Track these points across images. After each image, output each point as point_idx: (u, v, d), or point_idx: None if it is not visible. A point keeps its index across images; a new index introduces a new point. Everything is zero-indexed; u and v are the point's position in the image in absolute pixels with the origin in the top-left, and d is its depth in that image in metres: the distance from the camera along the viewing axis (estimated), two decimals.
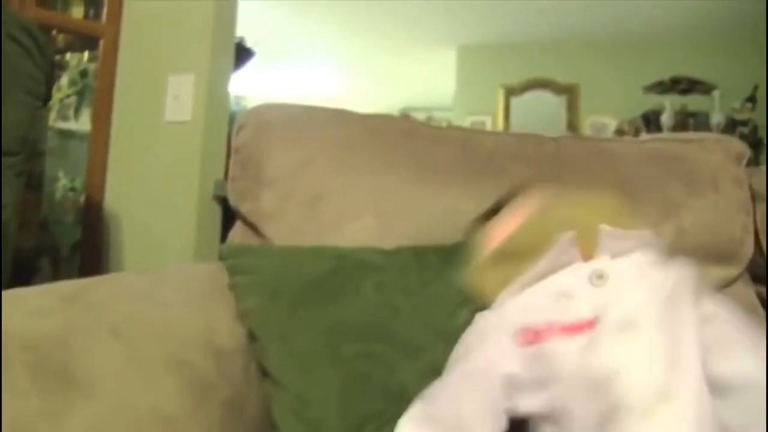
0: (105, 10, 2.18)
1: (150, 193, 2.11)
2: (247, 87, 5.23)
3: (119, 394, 0.66)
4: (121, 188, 2.16)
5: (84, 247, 2.16)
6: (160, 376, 0.73)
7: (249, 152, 1.24)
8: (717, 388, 0.66)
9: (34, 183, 2.31)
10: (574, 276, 0.79)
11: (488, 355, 0.78)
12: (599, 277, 0.77)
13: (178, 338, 0.81)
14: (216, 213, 2.07)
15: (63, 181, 2.34)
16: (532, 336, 0.75)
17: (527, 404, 0.73)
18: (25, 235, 2.25)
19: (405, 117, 1.34)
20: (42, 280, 2.16)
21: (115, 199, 2.16)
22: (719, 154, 1.28)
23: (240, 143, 1.26)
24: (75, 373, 0.64)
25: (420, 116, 7.17)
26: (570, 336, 0.73)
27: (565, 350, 0.72)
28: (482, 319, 0.85)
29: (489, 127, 5.64)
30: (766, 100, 4.56)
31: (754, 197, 1.28)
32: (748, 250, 1.25)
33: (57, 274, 2.27)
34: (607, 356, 0.69)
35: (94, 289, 0.83)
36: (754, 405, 0.64)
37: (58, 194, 2.33)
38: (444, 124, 4.85)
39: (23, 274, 2.19)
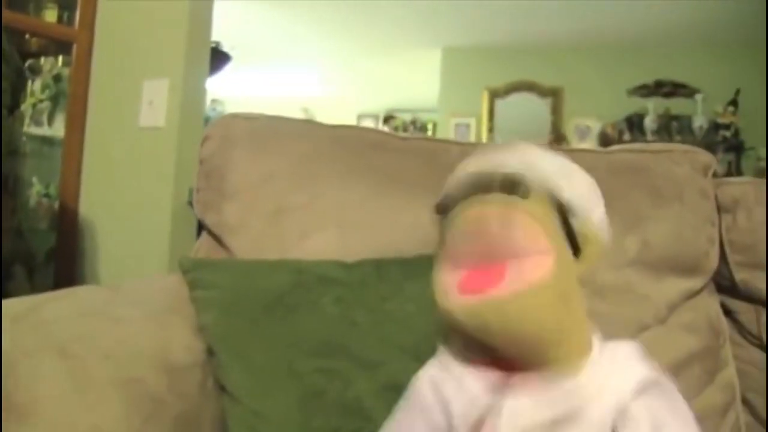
0: (78, 14, 2.16)
1: (124, 199, 2.10)
2: (226, 90, 5.23)
3: (60, 417, 0.66)
4: (95, 194, 2.15)
5: (58, 253, 2.15)
6: (106, 396, 0.72)
7: (213, 164, 1.23)
8: None
9: (9, 188, 2.30)
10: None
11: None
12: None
13: (129, 356, 0.80)
14: (191, 219, 2.06)
15: (37, 187, 2.33)
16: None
17: None
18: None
19: (373, 128, 1.33)
20: (16, 288, 2.15)
21: (89, 205, 2.16)
22: (686, 165, 1.28)
23: (205, 155, 1.25)
24: (15, 397, 0.63)
25: (405, 117, 7.22)
26: None
27: None
28: (417, 380, 0.74)
29: (473, 128, 5.66)
30: (766, 104, 4.57)
31: (719, 208, 1.28)
32: (713, 261, 1.24)
33: (32, 281, 2.26)
34: None
35: (46, 306, 0.82)
36: None
37: (32, 200, 2.32)
38: (429, 126, 4.89)
39: None
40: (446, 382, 0.67)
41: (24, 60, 2.31)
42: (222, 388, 0.91)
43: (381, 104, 7.43)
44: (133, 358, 0.80)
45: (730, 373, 1.21)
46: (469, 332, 0.60)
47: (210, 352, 0.93)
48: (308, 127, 1.29)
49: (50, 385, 0.68)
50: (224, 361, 0.91)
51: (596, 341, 0.65)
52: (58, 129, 2.28)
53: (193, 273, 1.01)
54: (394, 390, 0.89)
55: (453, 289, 0.60)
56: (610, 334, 1.12)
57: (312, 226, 1.16)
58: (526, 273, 0.58)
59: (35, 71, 2.38)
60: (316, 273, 1.01)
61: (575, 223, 0.63)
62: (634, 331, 1.12)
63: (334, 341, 0.93)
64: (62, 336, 0.76)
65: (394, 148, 1.27)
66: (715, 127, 4.87)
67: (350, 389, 0.89)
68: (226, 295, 0.97)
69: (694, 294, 1.22)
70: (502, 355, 0.61)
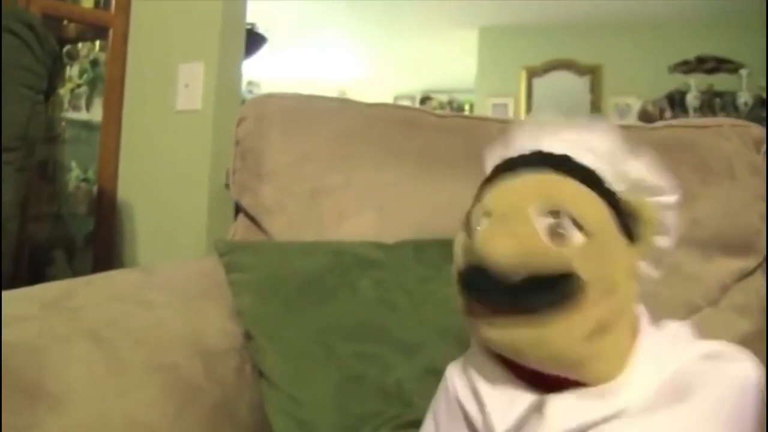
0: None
1: (162, 183, 2.10)
2: (262, 73, 5.22)
3: (93, 405, 0.64)
4: (133, 178, 2.15)
5: (97, 237, 2.16)
6: (140, 383, 0.71)
7: (249, 145, 1.22)
8: None
9: (48, 174, 2.32)
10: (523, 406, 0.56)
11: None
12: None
13: (163, 341, 0.79)
14: (228, 201, 2.05)
15: (76, 172, 2.34)
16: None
17: None
18: (40, 226, 2.26)
19: (409, 106, 1.30)
20: (56, 272, 2.17)
21: (127, 189, 2.16)
22: (736, 140, 1.23)
23: (240, 136, 1.24)
24: (46, 385, 0.62)
25: (442, 98, 7.17)
26: None
27: None
28: (450, 381, 0.68)
29: (511, 108, 5.58)
30: None
31: None
32: (766, 240, 1.20)
33: (71, 266, 2.27)
34: None
35: (79, 291, 0.81)
36: None
37: (71, 185, 2.33)
38: (466, 107, 4.84)
39: (38, 266, 2.20)
40: (479, 382, 0.60)
41: (62, 46, 2.32)
42: (259, 373, 0.90)
43: (418, 85, 7.37)
44: (167, 344, 0.79)
45: None
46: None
47: (247, 336, 0.91)
48: (343, 105, 1.27)
49: (83, 371, 0.67)
50: (261, 345, 0.90)
51: (645, 330, 0.58)
52: (96, 114, 2.28)
53: (229, 256, 1.00)
54: (435, 374, 0.87)
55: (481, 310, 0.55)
56: (659, 315, 1.09)
57: (349, 207, 1.14)
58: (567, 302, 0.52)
59: (73, 57, 2.39)
60: (354, 255, 0.99)
61: (622, 201, 0.57)
62: (684, 312, 1.09)
63: (373, 324, 0.91)
64: (94, 321, 0.75)
65: (431, 126, 1.24)
66: (761, 102, 4.73)
67: (390, 374, 0.87)
68: (263, 278, 0.95)
69: (746, 274, 1.18)
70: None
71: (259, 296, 0.93)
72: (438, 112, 1.34)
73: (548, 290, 0.52)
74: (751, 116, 4.60)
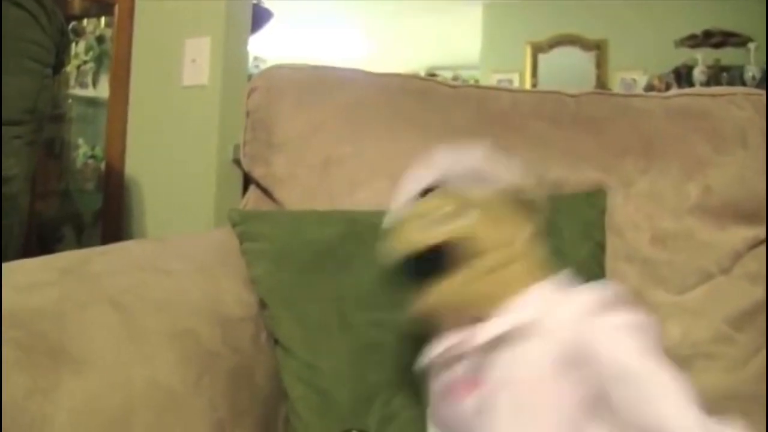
0: None
1: (170, 159, 2.10)
2: (269, 48, 5.19)
3: (115, 368, 0.64)
4: (140, 154, 2.15)
5: (105, 214, 2.16)
6: (160, 348, 0.71)
7: (260, 116, 1.21)
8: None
9: (56, 151, 2.31)
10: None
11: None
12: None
13: (182, 308, 0.79)
14: (236, 177, 2.05)
15: (83, 149, 2.34)
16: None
17: None
18: (48, 203, 2.26)
19: (419, 76, 1.29)
20: (65, 249, 2.17)
21: (135, 165, 2.16)
22: (749, 109, 1.22)
23: (251, 107, 1.23)
24: (68, 348, 0.62)
25: (446, 75, 7.14)
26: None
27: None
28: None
29: (516, 84, 5.56)
30: None
31: None
32: None
33: (80, 242, 2.28)
34: None
35: (96, 259, 0.81)
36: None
37: (79, 162, 2.33)
38: (471, 83, 4.80)
39: (47, 243, 2.20)
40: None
41: (67, 22, 2.31)
42: (275, 342, 0.90)
43: (422, 62, 7.34)
44: (185, 311, 0.79)
45: None
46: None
47: (262, 305, 0.92)
48: (354, 75, 1.26)
49: (105, 336, 0.67)
50: (276, 313, 0.90)
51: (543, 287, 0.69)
52: (102, 90, 2.27)
53: (242, 225, 1.00)
54: None
55: None
56: (672, 282, 1.09)
57: (361, 176, 1.13)
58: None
59: (78, 33, 2.37)
60: (367, 223, 0.99)
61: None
62: (697, 279, 1.09)
63: (388, 293, 0.91)
64: (113, 288, 0.75)
65: (444, 95, 1.23)
66: None
67: (404, 342, 0.87)
68: (277, 247, 0.95)
69: (759, 243, 1.17)
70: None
71: (273, 265, 0.93)
72: (451, 82, 1.33)
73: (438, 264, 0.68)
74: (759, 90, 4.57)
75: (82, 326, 0.66)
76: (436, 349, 0.71)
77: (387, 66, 7.04)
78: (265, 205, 1.19)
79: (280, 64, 1.27)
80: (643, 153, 1.15)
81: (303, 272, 0.92)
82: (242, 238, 0.98)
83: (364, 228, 0.98)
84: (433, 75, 7.23)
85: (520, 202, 0.73)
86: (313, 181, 1.14)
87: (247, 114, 1.24)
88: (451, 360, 0.70)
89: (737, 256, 1.15)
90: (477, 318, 0.68)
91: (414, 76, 1.29)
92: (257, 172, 1.21)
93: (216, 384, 0.75)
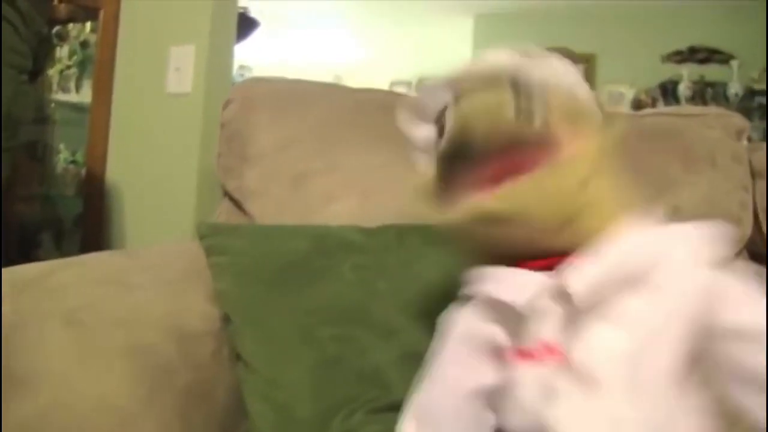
0: None
1: (151, 165, 2.09)
2: (256, 57, 5.19)
3: (64, 387, 0.65)
4: (122, 161, 2.15)
5: (85, 220, 2.16)
6: (112, 365, 0.71)
7: (235, 128, 1.22)
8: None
9: (38, 156, 2.31)
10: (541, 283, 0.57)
11: (451, 371, 0.66)
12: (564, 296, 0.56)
13: (140, 323, 0.79)
14: (218, 186, 2.05)
15: (64, 154, 2.34)
16: (499, 353, 0.60)
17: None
18: (29, 207, 2.26)
19: (395, 92, 1.30)
20: (44, 254, 2.17)
21: (116, 171, 2.15)
22: (719, 129, 1.24)
23: (226, 119, 1.24)
24: (14, 368, 0.62)
25: None
26: (529, 363, 0.57)
27: (523, 380, 0.57)
28: (451, 318, 0.67)
29: None
30: None
31: (753, 174, 1.24)
32: (746, 228, 1.21)
33: (59, 248, 2.27)
34: (561, 414, 0.53)
35: (58, 273, 0.81)
36: None
37: (59, 167, 2.33)
38: None
39: (26, 248, 2.19)
40: (490, 287, 0.61)
41: (51, 27, 2.31)
42: (237, 356, 0.90)
43: (414, 71, 7.35)
44: (143, 326, 0.79)
45: None
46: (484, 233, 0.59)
47: (226, 319, 0.92)
48: (330, 90, 1.27)
49: (54, 354, 0.67)
50: (239, 328, 0.90)
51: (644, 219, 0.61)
52: (85, 95, 2.27)
53: (210, 239, 1.00)
54: (414, 358, 0.87)
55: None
56: None
57: (334, 191, 1.14)
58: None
59: (62, 38, 2.37)
60: (336, 238, 0.99)
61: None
62: None
63: (353, 308, 0.92)
64: (69, 303, 0.75)
65: None
66: (751, 93, 4.76)
67: (368, 357, 0.87)
68: (243, 261, 0.96)
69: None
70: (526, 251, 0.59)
71: (239, 279, 0.93)
72: None
73: (529, 151, 0.57)
74: (741, 106, 4.62)
75: (30, 344, 0.66)
76: (522, 293, 0.57)
77: (378, 74, 7.08)
78: (238, 218, 1.20)
79: (258, 77, 1.28)
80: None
81: (268, 287, 0.92)
82: (209, 251, 0.98)
83: (332, 243, 0.99)
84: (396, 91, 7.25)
85: (589, 113, 0.64)
86: (285, 196, 1.14)
87: (222, 126, 1.25)
88: (529, 315, 0.57)
89: None
90: (546, 257, 0.57)
91: (390, 92, 1.30)
92: (230, 185, 1.21)
93: (169, 401, 0.75)
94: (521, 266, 0.59)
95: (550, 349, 0.56)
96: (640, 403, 0.52)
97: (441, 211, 0.62)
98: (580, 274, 0.55)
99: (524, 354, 0.57)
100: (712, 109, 1.29)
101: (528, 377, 0.56)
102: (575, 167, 0.58)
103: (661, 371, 0.53)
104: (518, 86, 0.59)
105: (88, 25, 2.37)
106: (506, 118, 0.57)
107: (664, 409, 0.53)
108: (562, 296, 0.56)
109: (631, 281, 0.55)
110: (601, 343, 0.54)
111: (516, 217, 0.57)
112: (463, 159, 0.59)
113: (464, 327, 0.64)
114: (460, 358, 0.64)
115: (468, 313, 0.65)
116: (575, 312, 0.55)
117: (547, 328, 0.56)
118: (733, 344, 0.52)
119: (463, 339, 0.64)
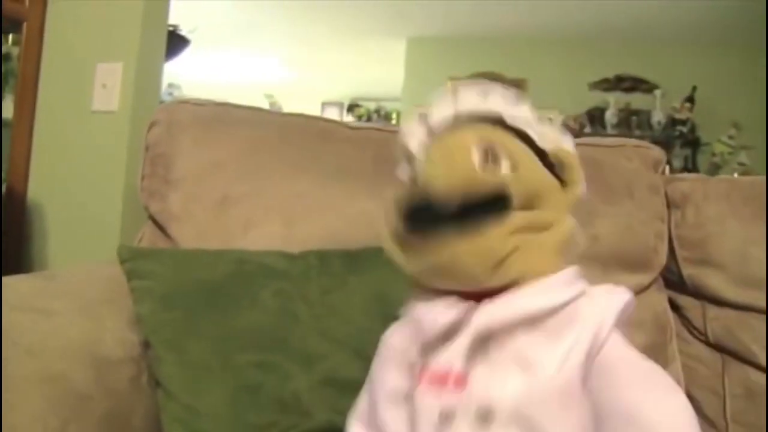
0: None
1: (75, 184, 2.05)
2: (187, 75, 5.15)
3: None
4: (45, 178, 2.10)
5: (5, 238, 2.09)
6: (25, 395, 0.69)
7: (159, 151, 1.21)
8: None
9: None
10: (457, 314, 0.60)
11: (384, 376, 0.67)
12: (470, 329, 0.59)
13: (55, 351, 0.77)
14: (143, 207, 2.02)
15: None
16: (412, 369, 0.64)
17: None
18: None
19: (322, 117, 1.30)
20: None
21: (38, 189, 2.10)
22: (636, 161, 1.28)
23: (151, 141, 1.23)
24: None
25: (370, 106, 7.20)
26: (432, 387, 0.60)
27: (423, 403, 0.60)
28: (387, 338, 0.69)
29: None
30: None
31: (669, 204, 1.28)
32: (662, 257, 1.25)
33: None
34: None
35: None
36: None
37: None
38: (393, 115, 4.86)
39: None
40: (417, 312, 0.64)
41: None
42: (157, 383, 0.89)
43: (346, 92, 7.40)
44: (58, 354, 0.77)
45: (675, 368, 1.22)
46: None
47: (146, 345, 0.91)
48: (256, 114, 1.26)
49: None
50: (159, 353, 0.89)
51: (570, 274, 0.62)
52: (6, 110, 2.21)
53: (131, 262, 0.98)
54: (333, 384, 0.88)
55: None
56: None
57: (257, 216, 1.13)
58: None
59: None
60: (257, 264, 0.99)
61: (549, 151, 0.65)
62: None
63: (273, 334, 0.92)
64: None
65: (344, 138, 1.25)
66: (673, 122, 4.93)
67: (287, 384, 0.87)
68: (163, 286, 0.94)
69: (641, 290, 1.22)
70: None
71: (159, 304, 0.92)
72: (352, 123, 1.36)
73: (485, 210, 0.58)
74: (664, 134, 4.80)
75: None
76: (439, 319, 0.60)
77: (310, 95, 7.11)
78: (160, 242, 1.18)
79: (183, 98, 1.27)
80: None
81: (188, 312, 0.92)
82: (130, 275, 0.97)
83: (253, 268, 0.99)
84: (357, 105, 7.31)
85: (557, 165, 0.66)
86: (208, 220, 1.14)
87: (147, 148, 1.23)
88: (440, 340, 0.60)
89: None
90: (477, 293, 0.59)
91: (317, 118, 1.30)
92: (153, 207, 1.20)
93: (84, 429, 0.73)
94: (456, 295, 0.61)
95: (453, 377, 0.58)
96: None
97: (400, 255, 0.64)
98: (486, 312, 0.58)
99: (430, 377, 0.60)
100: (631, 141, 1.33)
101: (427, 400, 0.59)
102: (511, 224, 0.59)
103: (554, 413, 0.55)
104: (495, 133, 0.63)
105: (11, 37, 2.31)
106: (470, 167, 0.59)
107: None
108: (469, 329, 0.58)
109: (531, 324, 0.58)
110: (497, 380, 0.57)
111: (446, 271, 0.60)
112: (425, 206, 0.60)
113: (392, 339, 0.68)
114: (391, 365, 0.67)
115: (398, 328, 0.68)
116: (479, 345, 0.58)
117: (454, 356, 0.59)
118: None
119: (390, 349, 0.68)
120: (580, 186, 0.67)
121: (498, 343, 0.58)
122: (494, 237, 0.58)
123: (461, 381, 0.58)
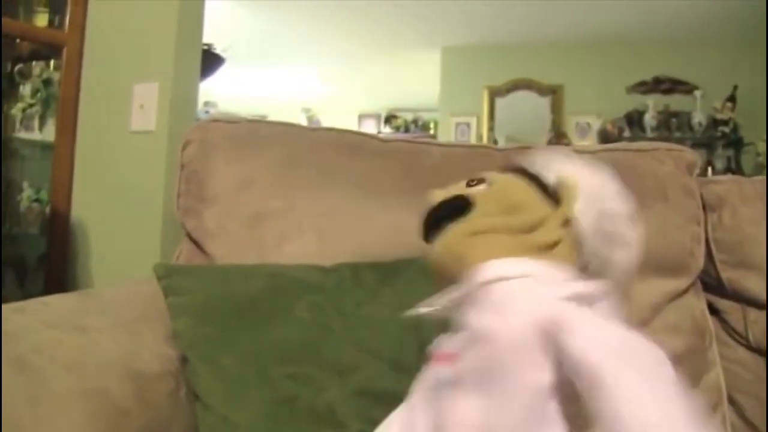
0: (68, 18, 2.15)
1: (116, 203, 2.09)
2: (222, 91, 5.21)
3: None
4: (87, 199, 2.14)
5: (50, 258, 2.14)
6: (65, 409, 0.71)
7: (193, 169, 1.23)
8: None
9: (1, 194, 2.29)
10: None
11: None
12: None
13: (94, 366, 0.79)
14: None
15: (27, 192, 2.32)
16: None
17: None
18: None
19: (353, 130, 1.32)
20: (7, 293, 2.14)
21: (81, 209, 2.15)
22: (670, 164, 1.27)
23: (185, 159, 1.25)
24: None
25: (407, 117, 7.22)
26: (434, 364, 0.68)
27: (426, 377, 0.69)
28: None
29: (474, 128, 5.64)
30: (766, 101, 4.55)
31: (705, 207, 1.27)
32: (699, 260, 1.23)
33: (22, 287, 2.25)
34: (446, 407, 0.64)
35: (11, 317, 0.81)
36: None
37: (23, 205, 2.31)
38: (431, 125, 4.91)
39: None
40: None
41: (14, 65, 2.31)
42: (195, 396, 0.90)
43: (382, 104, 7.42)
44: (97, 368, 0.79)
45: (716, 374, 1.20)
46: None
47: (183, 359, 0.92)
48: (287, 130, 1.28)
49: (5, 400, 0.67)
50: (196, 368, 0.91)
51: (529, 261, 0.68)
52: (48, 134, 2.27)
53: (167, 279, 1.00)
54: (367, 396, 0.89)
55: None
56: None
57: (290, 231, 1.15)
58: None
59: (25, 75, 2.37)
60: (291, 278, 1.00)
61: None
62: None
63: (307, 347, 0.93)
64: (22, 348, 0.75)
65: (374, 150, 1.26)
66: (714, 123, 4.86)
67: (322, 395, 0.88)
68: (200, 301, 0.96)
69: (679, 294, 1.21)
70: None
71: (196, 319, 0.94)
72: (382, 136, 1.36)
73: (446, 216, 0.71)
74: (705, 136, 4.73)
75: None
76: (425, 307, 0.71)
77: (347, 107, 7.14)
78: (197, 258, 1.20)
79: (215, 116, 1.29)
80: None
81: (224, 326, 0.93)
82: (166, 291, 0.99)
83: (287, 282, 1.00)
84: (394, 116, 7.33)
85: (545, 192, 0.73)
86: (242, 235, 1.15)
87: (182, 166, 1.25)
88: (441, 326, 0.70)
89: (657, 309, 1.18)
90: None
91: (347, 131, 1.31)
92: (189, 225, 1.22)
93: None
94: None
95: (448, 356, 0.66)
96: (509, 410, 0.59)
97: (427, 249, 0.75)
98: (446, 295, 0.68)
99: (435, 356, 0.69)
100: (664, 144, 1.31)
101: (429, 374, 0.68)
102: (470, 227, 0.71)
103: (523, 382, 0.59)
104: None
105: (52, 62, 2.37)
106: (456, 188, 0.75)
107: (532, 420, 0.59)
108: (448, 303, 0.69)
109: (474, 302, 0.64)
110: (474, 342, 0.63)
111: (439, 262, 0.73)
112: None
113: None
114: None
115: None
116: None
117: (454, 339, 0.67)
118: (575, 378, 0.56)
119: None
120: (572, 204, 0.71)
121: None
122: (454, 236, 0.70)
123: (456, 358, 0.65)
